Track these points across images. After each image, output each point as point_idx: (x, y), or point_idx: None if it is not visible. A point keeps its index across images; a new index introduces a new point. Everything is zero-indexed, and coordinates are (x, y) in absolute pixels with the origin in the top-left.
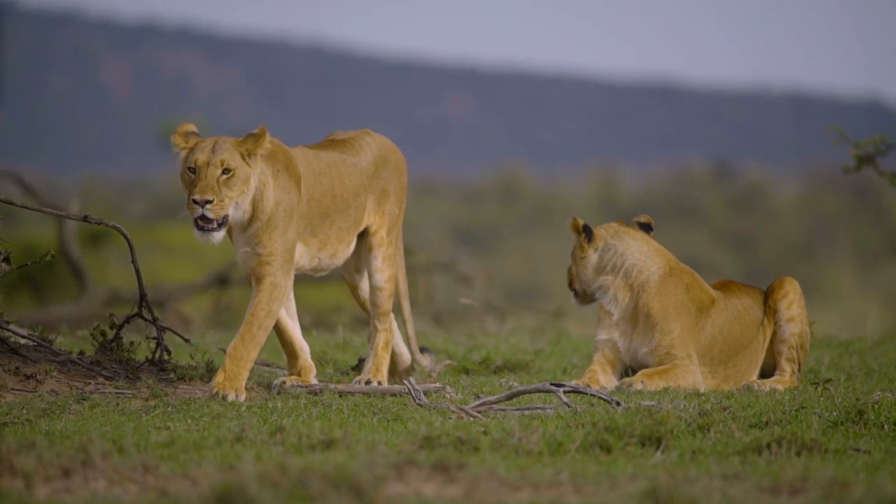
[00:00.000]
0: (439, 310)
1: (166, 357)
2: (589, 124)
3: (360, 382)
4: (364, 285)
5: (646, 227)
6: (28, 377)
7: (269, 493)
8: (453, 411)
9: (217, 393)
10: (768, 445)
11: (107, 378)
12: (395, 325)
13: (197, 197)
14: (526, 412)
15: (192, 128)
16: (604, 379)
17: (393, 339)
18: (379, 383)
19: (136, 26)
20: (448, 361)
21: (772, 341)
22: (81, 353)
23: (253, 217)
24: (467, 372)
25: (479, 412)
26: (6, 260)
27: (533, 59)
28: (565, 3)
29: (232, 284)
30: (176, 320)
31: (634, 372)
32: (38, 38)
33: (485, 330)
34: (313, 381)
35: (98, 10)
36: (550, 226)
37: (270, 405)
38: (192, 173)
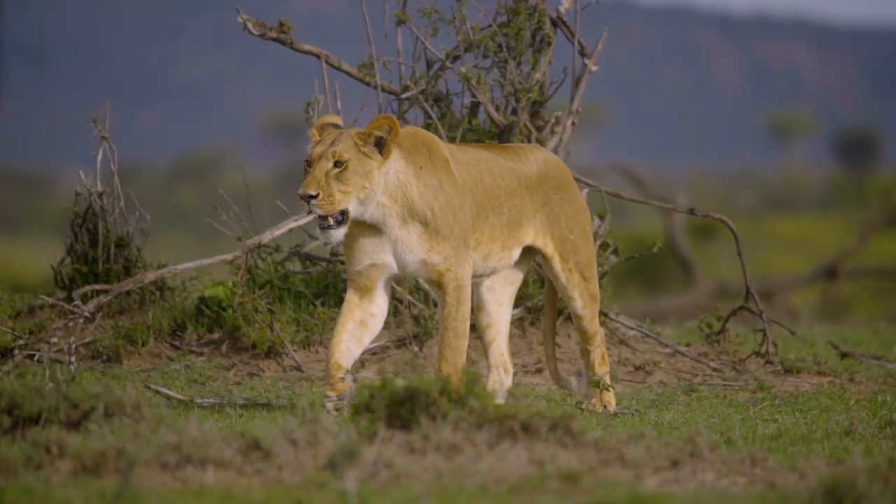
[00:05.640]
0: None
1: (773, 349)
2: None
3: (595, 407)
4: (486, 319)
5: None
6: (637, 368)
7: (878, 488)
8: None
9: None
10: None
11: (714, 370)
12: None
13: (300, 192)
14: None
15: (333, 119)
16: None
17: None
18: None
19: (747, 19)
20: None
21: None
22: (688, 344)
23: (405, 218)
24: None
25: None
26: (615, 252)
27: None
28: None
29: (841, 276)
30: (783, 313)
31: None
32: (652, 33)
33: None
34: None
35: (710, 4)
36: None
37: (880, 399)
38: (307, 166)
